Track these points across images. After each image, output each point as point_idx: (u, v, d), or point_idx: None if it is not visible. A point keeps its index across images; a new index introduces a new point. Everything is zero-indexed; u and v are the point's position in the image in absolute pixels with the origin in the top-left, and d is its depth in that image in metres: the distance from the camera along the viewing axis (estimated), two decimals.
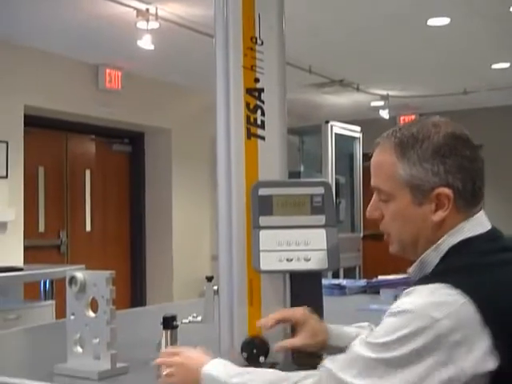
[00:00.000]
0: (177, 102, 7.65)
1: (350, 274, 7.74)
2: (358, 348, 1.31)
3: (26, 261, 5.96)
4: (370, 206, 1.53)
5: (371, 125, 9.12)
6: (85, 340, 1.72)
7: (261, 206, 1.60)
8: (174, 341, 1.68)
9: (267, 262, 1.55)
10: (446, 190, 1.40)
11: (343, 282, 3.74)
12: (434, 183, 1.41)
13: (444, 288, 1.28)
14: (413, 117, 9.42)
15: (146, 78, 7.20)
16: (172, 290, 7.55)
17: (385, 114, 8.53)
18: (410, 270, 1.50)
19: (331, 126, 7.71)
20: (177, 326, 1.69)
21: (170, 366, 1.52)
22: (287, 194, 1.61)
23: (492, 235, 1.43)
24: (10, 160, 5.93)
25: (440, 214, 1.41)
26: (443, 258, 1.41)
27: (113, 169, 7.63)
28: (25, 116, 6.12)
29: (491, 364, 1.25)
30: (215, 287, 1.69)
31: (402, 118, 9.51)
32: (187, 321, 1.72)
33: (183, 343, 1.70)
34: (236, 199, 1.64)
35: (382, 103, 8.42)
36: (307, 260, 1.56)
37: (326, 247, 1.57)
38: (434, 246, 1.43)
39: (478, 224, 1.42)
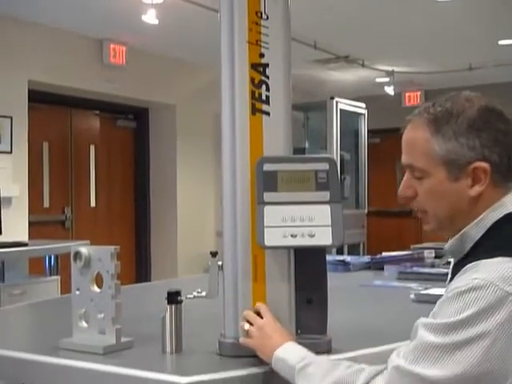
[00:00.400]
0: (181, 78, 7.62)
1: (354, 250, 7.76)
2: (427, 336, 1.28)
3: (30, 236, 5.99)
4: (402, 184, 1.51)
5: (376, 101, 9.11)
6: (90, 315, 1.72)
7: (265, 182, 1.59)
8: (178, 316, 1.69)
9: (272, 238, 1.55)
10: (483, 164, 1.39)
11: (347, 258, 3.75)
12: (470, 157, 1.40)
13: (510, 262, 1.28)
14: (418, 93, 9.39)
15: (150, 54, 7.17)
16: (176, 265, 7.58)
17: (390, 90, 8.49)
18: (447, 245, 1.49)
19: (336, 102, 7.68)
20: (181, 301, 1.70)
21: (251, 324, 1.58)
22: (292, 170, 1.60)
23: None
24: (14, 135, 5.93)
25: (477, 189, 1.41)
26: (487, 233, 1.40)
27: (117, 144, 7.62)
28: (29, 91, 6.11)
29: None
30: (220, 262, 1.69)
31: (407, 95, 9.48)
32: (192, 296, 1.73)
33: (188, 318, 1.71)
34: (240, 175, 1.63)
35: (387, 79, 8.38)
36: (312, 236, 1.56)
37: (330, 223, 1.57)
38: (476, 220, 1.42)
39: None
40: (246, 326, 1.58)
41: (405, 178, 1.51)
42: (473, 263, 1.33)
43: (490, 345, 1.23)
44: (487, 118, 1.41)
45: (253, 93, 1.62)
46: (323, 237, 1.56)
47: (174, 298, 1.69)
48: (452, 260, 1.60)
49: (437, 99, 1.48)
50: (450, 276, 1.59)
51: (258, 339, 1.55)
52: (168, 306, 1.68)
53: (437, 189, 1.44)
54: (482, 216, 1.41)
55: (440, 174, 1.43)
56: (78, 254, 1.72)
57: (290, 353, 1.49)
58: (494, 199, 1.41)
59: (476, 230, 1.42)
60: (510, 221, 1.39)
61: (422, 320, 1.33)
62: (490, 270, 1.28)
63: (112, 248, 1.69)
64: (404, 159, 1.50)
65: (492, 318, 1.23)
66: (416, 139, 1.46)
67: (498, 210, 1.41)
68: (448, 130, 1.41)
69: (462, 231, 1.44)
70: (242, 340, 1.59)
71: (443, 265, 3.42)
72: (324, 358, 1.49)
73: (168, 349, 1.67)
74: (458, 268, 1.40)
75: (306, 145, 8.24)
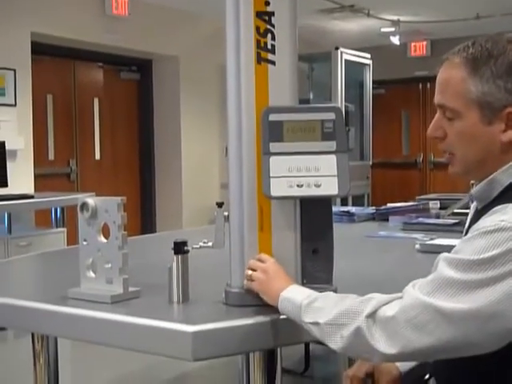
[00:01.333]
0: (184, 29, 7.54)
1: (358, 201, 7.77)
2: (447, 271, 1.27)
3: (36, 189, 6.01)
4: (432, 124, 1.48)
5: (381, 51, 9.02)
6: (97, 265, 1.74)
7: (271, 132, 1.58)
8: (185, 266, 1.70)
9: (277, 188, 1.55)
10: None
11: (352, 209, 3.76)
12: (506, 101, 1.37)
13: None
14: (424, 43, 9.28)
15: (153, 4, 7.08)
16: (181, 217, 7.61)
17: (395, 40, 8.41)
18: (474, 190, 1.47)
19: (341, 53, 7.61)
20: (188, 251, 1.71)
21: (255, 270, 1.57)
22: (298, 120, 1.59)
23: None
24: (18, 88, 5.91)
25: (509, 134, 1.38)
26: None
27: (121, 97, 7.59)
28: (32, 43, 6.06)
29: None
30: (226, 213, 1.70)
31: (412, 45, 9.38)
32: (198, 246, 1.74)
33: (194, 268, 1.72)
34: (246, 125, 1.62)
35: (392, 29, 8.28)
36: (317, 186, 1.55)
37: (336, 173, 1.56)
38: (506, 166, 1.40)
39: None
40: (250, 272, 1.59)
41: (435, 118, 1.47)
42: (501, 206, 1.31)
43: (503, 289, 1.22)
44: None
45: (258, 42, 1.60)
46: (329, 187, 1.56)
47: (180, 248, 1.70)
48: (473, 205, 1.58)
49: (477, 38, 1.43)
50: (468, 221, 1.59)
51: (261, 282, 1.55)
52: (175, 256, 1.69)
53: (468, 131, 1.41)
54: None
55: (473, 116, 1.40)
56: (84, 205, 1.73)
57: (295, 292, 1.49)
58: None
59: (506, 175, 1.40)
60: None
61: (444, 254, 1.32)
62: None
63: (118, 199, 1.69)
64: (437, 99, 1.46)
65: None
66: (451, 78, 1.42)
67: None
68: (486, 70, 1.37)
69: (490, 176, 1.42)
70: (246, 283, 1.59)
71: (448, 216, 3.43)
72: (330, 292, 1.49)
73: (175, 298, 1.69)
74: (483, 213, 1.38)
75: (311, 96, 8.19)
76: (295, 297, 1.47)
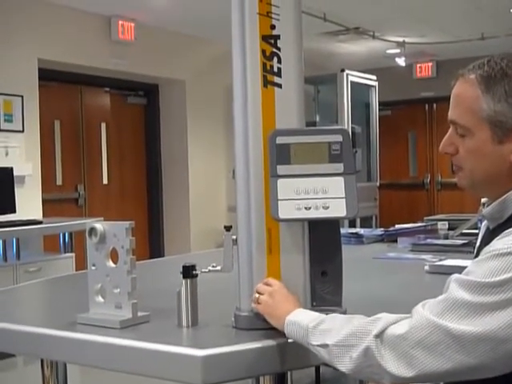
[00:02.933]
0: (190, 53, 7.59)
1: (366, 223, 7.76)
2: (458, 292, 1.26)
3: (44, 214, 6.02)
4: (444, 140, 1.47)
5: (387, 73, 9.05)
6: (106, 290, 1.73)
7: (278, 155, 1.59)
8: (193, 290, 1.70)
9: (286, 211, 1.55)
10: None
11: (360, 231, 3.75)
12: None
13: None
14: (430, 64, 9.32)
15: (158, 29, 7.14)
16: (189, 241, 7.61)
17: (401, 61, 8.44)
18: (487, 210, 1.46)
19: (347, 75, 7.64)
20: (196, 275, 1.70)
21: (262, 294, 1.57)
22: (305, 142, 1.60)
23: None
24: (25, 114, 5.95)
25: None
26: None
27: (128, 121, 7.62)
28: (39, 70, 6.11)
29: None
30: (234, 236, 1.70)
31: (418, 66, 9.41)
32: (207, 270, 1.73)
33: (203, 292, 1.71)
34: (253, 148, 1.63)
35: (397, 50, 8.31)
36: (326, 208, 1.55)
37: (344, 195, 1.56)
38: None
39: None
40: (257, 295, 1.59)
41: (448, 134, 1.47)
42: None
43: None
44: None
45: (264, 65, 1.61)
46: (337, 209, 1.56)
47: (189, 271, 1.69)
48: (484, 225, 1.57)
49: (493, 56, 1.42)
50: (479, 241, 1.58)
51: (268, 306, 1.55)
52: (183, 280, 1.69)
53: (478, 149, 1.40)
54: None
55: (484, 135, 1.39)
56: (93, 230, 1.73)
57: (301, 315, 1.48)
58: None
59: None
60: None
61: (456, 275, 1.30)
62: None
63: (127, 223, 1.69)
64: (450, 114, 1.45)
65: None
66: (465, 95, 1.42)
67: None
68: (500, 89, 1.37)
69: (503, 197, 1.41)
70: (253, 306, 1.59)
71: (457, 236, 3.42)
72: (336, 314, 1.48)
73: (184, 323, 1.68)
74: (495, 234, 1.37)
75: (317, 118, 8.21)
76: (301, 320, 1.46)
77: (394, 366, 1.28)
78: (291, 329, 1.47)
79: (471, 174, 1.44)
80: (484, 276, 1.24)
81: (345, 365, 1.35)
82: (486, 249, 1.30)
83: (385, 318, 1.34)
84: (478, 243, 1.60)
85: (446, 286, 1.33)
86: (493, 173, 1.41)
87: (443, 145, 1.48)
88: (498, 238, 1.32)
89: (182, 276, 1.70)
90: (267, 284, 1.59)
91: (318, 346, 1.40)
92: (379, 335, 1.31)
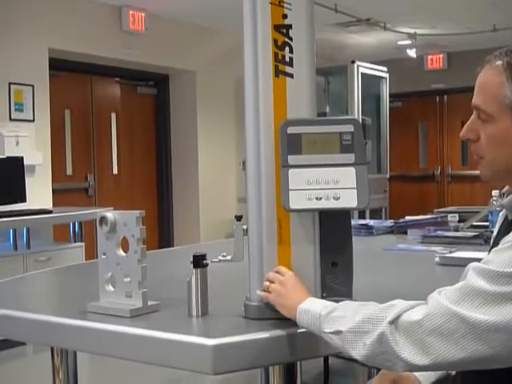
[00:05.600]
0: (201, 44, 7.58)
1: (376, 215, 7.75)
2: (476, 280, 1.25)
3: (54, 204, 6.04)
4: (466, 126, 1.47)
5: (398, 64, 9.01)
6: (116, 279, 1.74)
7: (289, 145, 1.58)
8: (204, 279, 1.70)
9: (296, 201, 1.55)
10: None
11: (370, 222, 3.74)
12: None
13: None
14: (441, 56, 9.27)
15: (169, 20, 7.13)
16: (199, 231, 7.62)
17: (412, 52, 8.40)
18: (507, 200, 1.46)
19: (357, 66, 7.62)
20: (207, 265, 1.70)
21: (273, 282, 1.56)
22: (316, 133, 1.59)
23: None
24: (36, 104, 5.96)
25: None
26: None
27: (138, 111, 7.63)
28: (49, 59, 6.11)
29: None
30: (244, 226, 1.69)
31: (429, 57, 9.37)
32: (217, 260, 1.73)
33: (214, 282, 1.72)
34: (264, 138, 1.62)
35: (408, 42, 8.28)
36: (337, 198, 1.55)
37: (355, 185, 1.56)
38: None
39: None
40: (267, 283, 1.58)
41: (470, 120, 1.46)
42: None
43: None
44: None
45: (276, 55, 1.60)
46: (348, 199, 1.55)
47: (199, 261, 1.70)
48: (502, 214, 1.57)
49: None
50: (496, 231, 1.58)
51: (279, 294, 1.54)
52: (194, 270, 1.69)
53: (501, 136, 1.40)
54: None
55: (506, 122, 1.39)
56: (103, 219, 1.73)
57: (313, 304, 1.47)
58: None
59: None
60: None
61: (475, 263, 1.30)
62: None
63: (137, 212, 1.69)
64: (473, 100, 1.45)
65: None
66: (489, 81, 1.42)
67: None
68: None
69: None
70: (263, 295, 1.57)
71: (467, 228, 3.41)
72: (349, 301, 1.47)
73: (194, 312, 1.68)
74: None
75: (327, 109, 8.20)
76: (314, 308, 1.45)
77: (408, 352, 1.27)
78: (303, 317, 1.46)
79: (493, 162, 1.43)
80: (503, 265, 1.23)
81: (358, 351, 1.34)
82: (506, 238, 1.29)
83: (399, 304, 1.33)
84: (495, 233, 1.59)
85: (464, 274, 1.32)
86: None
87: (465, 130, 1.47)
88: None
89: (192, 265, 1.70)
90: (278, 272, 1.59)
91: (330, 333, 1.39)
92: (394, 321, 1.30)
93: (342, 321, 1.38)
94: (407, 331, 1.28)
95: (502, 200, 1.49)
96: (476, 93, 1.45)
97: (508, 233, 1.33)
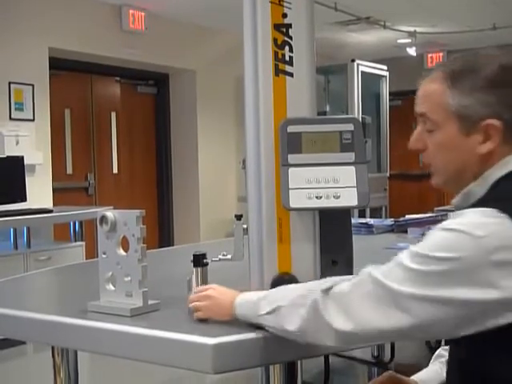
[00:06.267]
0: (201, 43, 7.58)
1: (376, 214, 7.75)
2: (402, 257, 1.31)
3: (54, 203, 6.04)
4: (413, 136, 1.50)
5: (398, 63, 9.01)
6: (116, 278, 1.74)
7: (289, 144, 1.58)
8: (204, 278, 1.70)
9: (296, 200, 1.55)
10: (496, 122, 1.38)
11: (370, 221, 3.74)
12: (484, 114, 1.38)
13: (492, 211, 1.27)
14: (441, 54, 9.27)
15: (169, 19, 7.13)
16: (199, 230, 7.62)
17: (412, 51, 8.39)
18: (454, 200, 1.49)
19: (357, 65, 7.62)
20: (207, 264, 1.71)
21: (199, 301, 1.60)
22: (316, 131, 1.59)
23: None
24: (36, 103, 5.96)
25: (487, 146, 1.39)
26: (490, 190, 1.39)
27: (138, 110, 7.63)
28: (49, 59, 6.11)
29: None
30: (244, 225, 1.70)
31: (429, 56, 9.36)
32: (217, 259, 1.73)
33: (214, 281, 1.72)
34: (264, 137, 1.62)
35: (408, 40, 8.28)
36: (337, 197, 1.55)
37: (355, 184, 1.56)
38: (480, 178, 1.41)
39: None
40: (192, 304, 1.61)
41: (416, 131, 1.49)
42: (461, 211, 1.33)
43: (448, 287, 1.24)
44: (506, 77, 1.39)
45: (276, 54, 1.61)
46: (348, 198, 1.56)
47: (199, 260, 1.70)
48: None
49: (458, 54, 1.47)
50: None
51: (208, 307, 1.58)
52: (194, 269, 1.69)
53: (447, 142, 1.43)
54: (486, 173, 1.41)
55: (452, 128, 1.42)
56: (103, 218, 1.73)
57: (248, 295, 1.53)
58: (503, 158, 1.40)
59: (480, 187, 1.41)
60: (509, 176, 1.38)
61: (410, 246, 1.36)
62: (469, 217, 1.28)
63: (137, 212, 1.70)
64: (418, 109, 1.49)
65: (456, 260, 1.23)
66: (432, 91, 1.45)
67: (502, 169, 1.39)
68: (465, 84, 1.40)
69: (466, 188, 1.44)
70: (196, 315, 1.60)
71: None
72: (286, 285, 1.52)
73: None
74: None
75: (327, 108, 8.19)
76: (249, 297, 1.51)
77: (337, 320, 1.33)
78: (241, 308, 1.52)
79: (443, 168, 1.47)
80: (423, 247, 1.29)
81: (293, 323, 1.40)
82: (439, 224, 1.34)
83: (334, 278, 1.40)
84: None
85: None
86: (463, 166, 1.43)
87: (413, 141, 1.50)
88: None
89: (192, 264, 1.70)
90: (199, 291, 1.63)
91: (267, 313, 1.45)
92: (326, 290, 1.37)
93: (280, 300, 1.44)
94: (336, 298, 1.35)
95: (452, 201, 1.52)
96: (419, 103, 1.48)
97: None
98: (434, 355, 1.79)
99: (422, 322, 1.26)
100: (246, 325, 1.57)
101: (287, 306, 1.41)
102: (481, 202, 1.35)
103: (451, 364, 1.48)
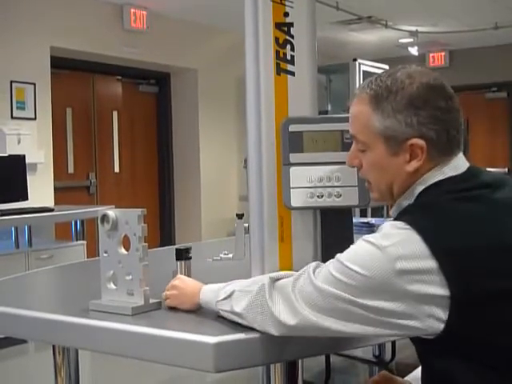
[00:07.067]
0: (203, 42, 7.58)
1: (377, 213, 7.73)
2: (332, 261, 1.40)
3: (56, 202, 6.04)
4: (349, 154, 1.54)
5: (399, 62, 8.98)
6: (118, 277, 1.74)
7: (291, 143, 1.59)
8: (188, 271, 1.71)
9: (298, 199, 1.55)
10: (420, 141, 1.42)
11: (372, 220, 3.74)
12: (408, 134, 1.42)
13: (400, 223, 1.34)
14: (443, 53, 9.26)
15: (171, 18, 7.12)
16: (200, 230, 7.62)
17: (414, 50, 8.39)
18: (390, 212, 1.55)
19: (359, 64, 7.60)
20: (190, 258, 1.73)
21: (168, 290, 1.72)
22: (318, 130, 1.60)
23: (466, 176, 1.45)
24: (37, 102, 5.95)
25: (413, 165, 1.44)
26: (414, 201, 1.45)
27: (140, 109, 7.62)
28: (51, 58, 6.11)
29: (440, 312, 1.29)
30: (246, 224, 1.70)
31: (431, 55, 9.36)
32: (219, 258, 1.74)
33: (215, 280, 1.72)
34: (266, 136, 1.63)
35: (410, 40, 8.27)
36: (338, 196, 1.56)
37: (356, 183, 1.56)
38: (407, 192, 1.47)
39: (451, 168, 1.44)
40: (164, 293, 1.72)
41: (352, 149, 1.53)
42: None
43: (358, 298, 1.33)
44: (427, 96, 1.42)
45: (277, 52, 1.61)
46: (350, 197, 1.56)
47: (182, 254, 1.74)
48: None
49: (381, 74, 1.51)
50: None
51: (175, 296, 1.69)
52: (178, 262, 1.72)
53: (377, 162, 1.48)
54: (411, 188, 1.46)
55: (380, 149, 1.46)
56: (105, 217, 1.74)
57: (213, 285, 1.62)
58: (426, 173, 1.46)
59: (407, 200, 1.47)
60: (432, 189, 1.43)
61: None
62: (381, 230, 1.36)
63: (139, 210, 1.70)
64: (350, 129, 1.53)
65: (365, 272, 1.31)
66: (359, 113, 1.49)
67: (426, 181, 1.44)
68: (387, 106, 1.43)
69: (398, 200, 1.50)
70: (166, 303, 1.71)
71: None
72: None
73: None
74: None
75: (329, 108, 8.19)
76: (213, 287, 1.60)
77: (281, 311, 1.41)
78: (204, 296, 1.61)
79: (377, 185, 1.52)
80: (345, 257, 1.37)
81: (240, 305, 1.49)
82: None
83: (286, 272, 1.49)
84: None
85: None
86: (393, 182, 1.48)
87: (348, 159, 1.54)
88: None
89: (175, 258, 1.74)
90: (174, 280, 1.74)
91: (223, 299, 1.54)
92: (274, 279, 1.46)
93: (234, 287, 1.53)
94: (281, 290, 1.43)
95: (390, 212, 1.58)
96: (350, 123, 1.52)
97: None
98: None
99: (345, 326, 1.35)
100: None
101: (239, 290, 1.51)
102: (403, 212, 1.44)
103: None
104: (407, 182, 1.46)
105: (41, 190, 5.85)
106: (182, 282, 1.70)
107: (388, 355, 4.00)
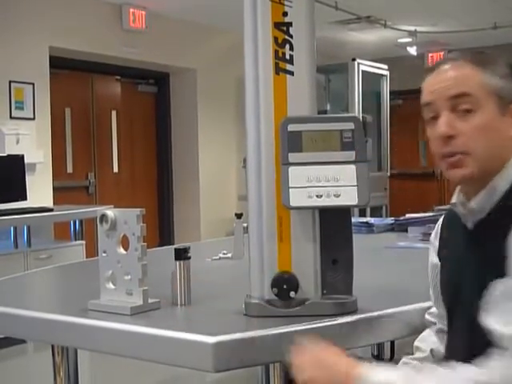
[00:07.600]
0: (202, 42, 7.58)
1: (376, 213, 7.75)
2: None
3: (55, 202, 6.04)
4: (444, 122, 1.41)
5: (398, 62, 9.00)
6: (117, 277, 1.74)
7: (290, 143, 1.58)
8: (186, 272, 1.71)
9: (297, 199, 1.55)
10: None
11: (371, 220, 3.74)
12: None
13: None
14: (441, 53, 9.25)
15: (170, 18, 7.12)
16: (199, 229, 7.61)
17: (413, 50, 8.38)
18: (476, 203, 1.43)
19: (358, 64, 7.62)
20: (189, 258, 1.72)
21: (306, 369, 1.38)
22: (317, 130, 1.59)
23: None
24: (36, 102, 5.95)
25: None
26: None
27: (139, 109, 7.62)
28: (50, 58, 6.11)
29: None
30: (245, 224, 1.70)
31: (430, 55, 9.35)
32: (218, 257, 1.74)
33: (214, 279, 1.72)
34: (265, 135, 1.62)
35: (409, 40, 8.26)
36: (337, 196, 1.55)
37: (356, 183, 1.56)
38: (503, 168, 1.39)
39: None
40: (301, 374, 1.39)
41: (444, 117, 1.41)
42: None
43: None
44: None
45: (276, 52, 1.61)
46: (349, 197, 1.55)
47: (181, 254, 1.74)
48: (440, 223, 1.62)
49: (458, 50, 1.52)
50: (454, 244, 1.56)
51: (318, 379, 1.36)
52: (176, 262, 1.72)
53: (488, 123, 1.40)
54: (509, 163, 1.39)
55: (491, 108, 1.40)
56: (104, 217, 1.73)
57: (372, 373, 1.30)
58: None
59: (503, 182, 1.39)
60: None
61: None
62: None
63: (138, 210, 1.70)
64: (453, 91, 1.41)
65: None
66: (467, 73, 1.43)
67: None
68: (496, 67, 1.43)
69: (490, 183, 1.39)
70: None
71: None
72: (409, 371, 1.39)
73: (179, 301, 1.74)
74: (483, 233, 1.38)
75: (328, 107, 8.19)
76: (375, 376, 1.28)
77: None
78: None
79: (479, 154, 1.39)
80: None
81: None
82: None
83: (466, 370, 1.23)
84: (437, 241, 1.64)
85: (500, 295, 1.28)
86: (499, 150, 1.40)
87: (446, 126, 1.41)
88: None
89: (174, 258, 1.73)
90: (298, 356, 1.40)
91: None
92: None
93: None
94: None
95: (468, 204, 1.45)
96: (455, 84, 1.42)
97: (478, 244, 1.36)
98: (400, 363, 1.69)
99: None
100: (247, 323, 1.58)
101: None
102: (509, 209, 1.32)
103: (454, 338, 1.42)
104: (508, 152, 1.39)
105: (40, 190, 5.84)
106: (325, 355, 1.36)
107: (387, 354, 4.00)
